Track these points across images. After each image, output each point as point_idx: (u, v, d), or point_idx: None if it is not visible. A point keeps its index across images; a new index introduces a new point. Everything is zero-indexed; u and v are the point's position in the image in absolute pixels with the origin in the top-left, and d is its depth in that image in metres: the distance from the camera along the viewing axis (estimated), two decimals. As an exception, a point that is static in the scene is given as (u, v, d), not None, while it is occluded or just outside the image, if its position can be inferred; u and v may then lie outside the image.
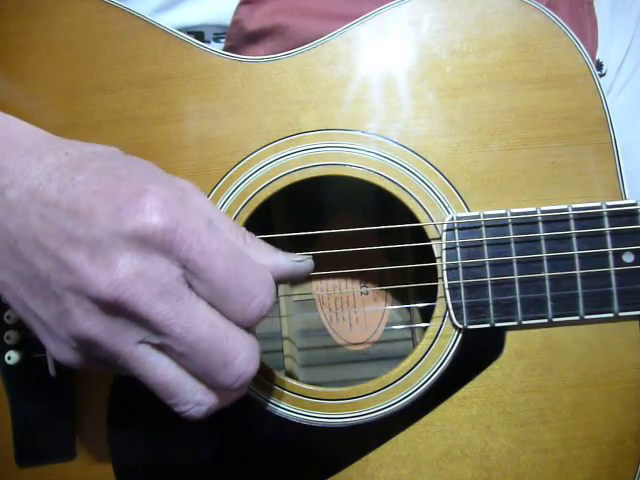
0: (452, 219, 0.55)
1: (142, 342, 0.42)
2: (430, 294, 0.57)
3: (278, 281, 0.46)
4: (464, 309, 0.54)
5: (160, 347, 0.42)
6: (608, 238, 0.54)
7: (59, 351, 0.44)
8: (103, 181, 0.42)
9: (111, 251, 0.40)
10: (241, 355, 0.43)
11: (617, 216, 0.54)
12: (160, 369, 0.42)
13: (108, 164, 0.44)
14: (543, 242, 0.54)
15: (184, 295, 0.41)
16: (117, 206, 0.40)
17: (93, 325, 0.41)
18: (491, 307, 0.54)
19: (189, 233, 0.41)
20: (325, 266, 0.64)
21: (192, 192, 0.45)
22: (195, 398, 0.43)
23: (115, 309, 0.40)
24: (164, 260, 0.41)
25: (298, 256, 0.47)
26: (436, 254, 0.55)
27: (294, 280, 0.48)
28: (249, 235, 0.46)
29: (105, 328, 0.41)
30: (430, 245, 0.55)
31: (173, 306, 0.41)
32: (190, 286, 0.42)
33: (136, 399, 0.54)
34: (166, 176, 0.45)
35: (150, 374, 0.43)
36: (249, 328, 0.45)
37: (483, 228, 0.54)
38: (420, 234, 0.56)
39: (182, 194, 0.43)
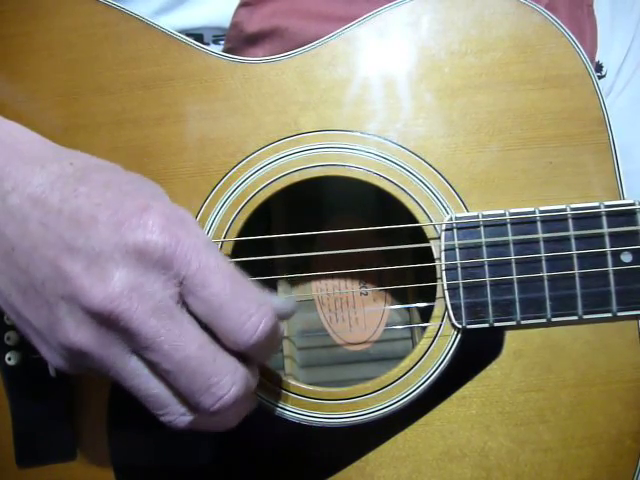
0: (451, 219, 0.55)
1: (132, 356, 0.42)
2: (429, 294, 0.57)
3: None
4: (463, 309, 0.54)
5: (148, 362, 0.42)
6: (606, 238, 0.54)
7: (53, 358, 0.44)
8: (107, 194, 0.42)
9: (109, 264, 0.40)
10: (225, 379, 0.42)
11: (615, 216, 0.54)
12: (150, 384, 0.43)
13: (113, 178, 0.44)
14: (542, 242, 0.54)
15: (176, 313, 0.41)
16: (119, 220, 0.41)
17: (84, 337, 0.41)
18: (490, 307, 0.54)
19: (189, 250, 0.41)
20: (324, 267, 0.64)
21: (188, 216, 0.45)
22: (180, 410, 0.44)
23: (107, 322, 0.40)
24: (161, 277, 0.41)
25: (280, 299, 0.47)
26: (435, 254, 0.55)
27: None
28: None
29: (96, 340, 0.41)
30: (429, 245, 0.55)
31: (164, 324, 0.41)
32: (184, 304, 0.42)
33: (136, 399, 0.54)
34: (167, 197, 0.46)
35: (140, 387, 0.43)
36: (250, 359, 0.45)
37: (482, 228, 0.55)
38: (419, 234, 0.56)
39: (182, 215, 0.44)
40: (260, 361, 0.47)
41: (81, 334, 0.41)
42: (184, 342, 0.41)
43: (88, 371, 0.44)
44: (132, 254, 0.40)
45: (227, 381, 0.42)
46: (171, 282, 0.41)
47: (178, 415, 0.44)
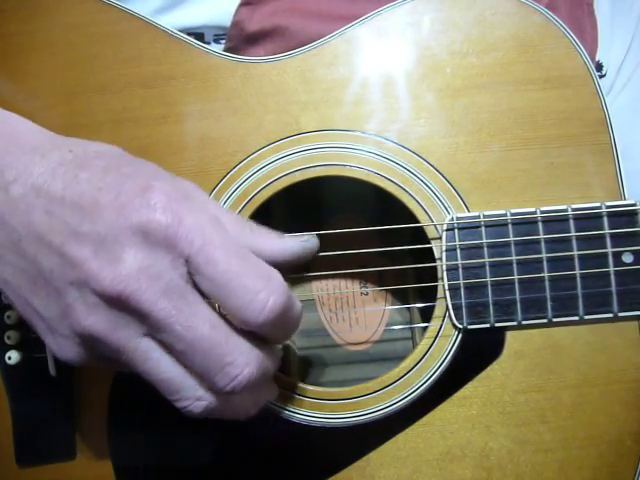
0: (452, 219, 0.55)
1: (144, 338, 0.42)
2: (430, 294, 0.57)
3: (290, 263, 0.47)
4: (464, 309, 0.55)
5: (162, 344, 0.42)
6: (607, 239, 0.54)
7: (60, 348, 0.44)
8: (107, 178, 0.42)
9: (115, 246, 0.40)
10: (239, 359, 0.42)
11: (616, 216, 0.54)
12: (163, 366, 0.43)
13: (112, 162, 0.44)
14: (543, 242, 0.54)
15: (187, 293, 0.41)
16: (121, 202, 0.41)
17: (96, 320, 0.41)
18: (491, 307, 0.54)
19: (192, 228, 0.41)
20: (325, 266, 0.64)
21: (195, 191, 0.46)
22: (196, 394, 0.43)
23: (118, 304, 0.40)
24: (168, 256, 0.41)
25: (304, 236, 0.50)
26: (436, 255, 0.55)
27: (303, 260, 0.50)
28: (254, 225, 0.47)
29: (108, 323, 0.41)
30: (430, 246, 0.55)
31: (175, 304, 0.41)
32: (194, 283, 0.42)
33: (136, 399, 0.54)
34: (170, 175, 0.45)
35: (153, 371, 0.43)
36: (264, 339, 0.45)
37: (483, 228, 0.55)
38: (420, 234, 0.56)
39: (186, 191, 0.44)
40: (276, 341, 0.47)
41: (92, 318, 0.41)
42: (195, 322, 0.41)
43: (97, 360, 0.44)
44: (138, 235, 0.40)
45: (241, 361, 0.42)
46: (178, 261, 0.41)
47: (193, 400, 0.43)
